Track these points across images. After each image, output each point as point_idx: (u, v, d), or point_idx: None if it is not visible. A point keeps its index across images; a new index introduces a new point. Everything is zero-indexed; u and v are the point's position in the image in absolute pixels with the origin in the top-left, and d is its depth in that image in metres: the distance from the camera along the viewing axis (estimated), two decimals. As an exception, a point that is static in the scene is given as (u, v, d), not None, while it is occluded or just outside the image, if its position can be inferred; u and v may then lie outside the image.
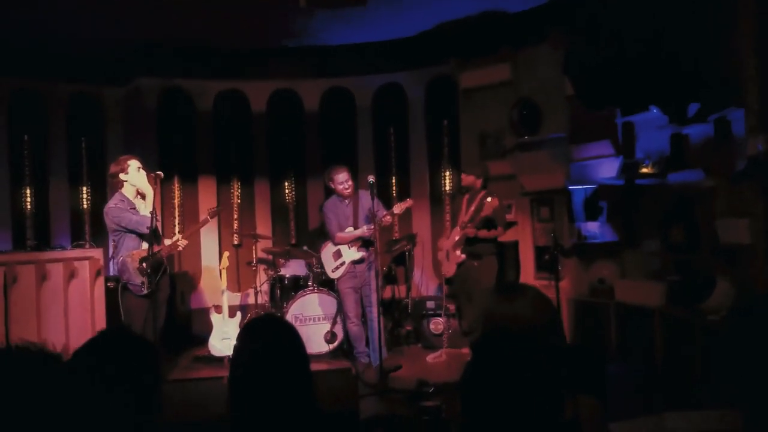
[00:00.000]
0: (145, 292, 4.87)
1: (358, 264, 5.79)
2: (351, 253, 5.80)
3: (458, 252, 6.00)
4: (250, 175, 8.05)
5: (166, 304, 5.17)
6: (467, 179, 6.12)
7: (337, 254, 5.87)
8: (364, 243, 5.75)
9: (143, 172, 5.02)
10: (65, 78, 7.43)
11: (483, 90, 7.22)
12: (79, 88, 7.62)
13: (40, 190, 7.40)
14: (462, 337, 6.26)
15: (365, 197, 5.69)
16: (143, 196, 5.09)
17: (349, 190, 5.75)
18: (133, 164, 5.02)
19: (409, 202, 5.75)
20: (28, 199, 7.29)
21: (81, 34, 6.77)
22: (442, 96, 7.82)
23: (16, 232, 7.21)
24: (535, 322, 1.68)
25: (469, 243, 5.95)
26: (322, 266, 6.13)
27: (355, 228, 5.80)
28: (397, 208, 5.65)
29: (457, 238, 6.01)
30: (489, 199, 5.68)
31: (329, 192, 7.97)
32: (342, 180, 5.73)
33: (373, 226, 5.48)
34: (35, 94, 7.44)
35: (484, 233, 5.87)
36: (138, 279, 4.89)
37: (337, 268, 5.86)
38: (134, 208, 4.99)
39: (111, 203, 5.10)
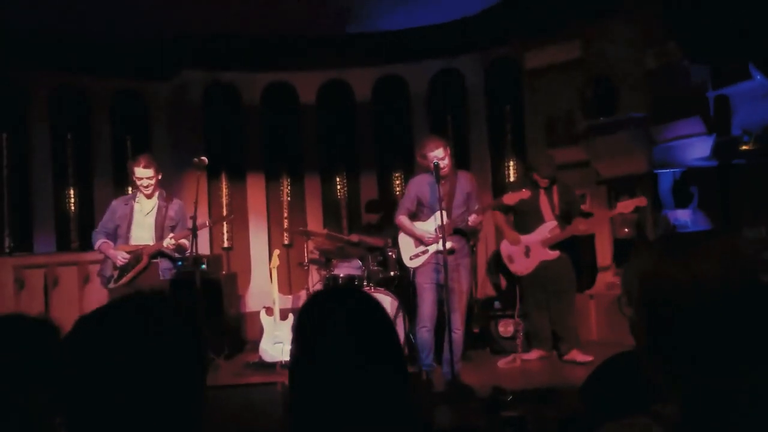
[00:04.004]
0: (112, 286, 4.89)
1: (448, 254, 4.53)
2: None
3: (547, 249, 5.49)
4: (299, 170, 7.64)
5: None
6: (543, 182, 5.50)
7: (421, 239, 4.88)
8: (456, 230, 4.74)
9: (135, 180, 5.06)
10: (108, 74, 7.15)
11: (550, 70, 6.65)
12: (123, 83, 7.34)
13: (84, 190, 7.15)
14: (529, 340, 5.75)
15: (465, 180, 4.86)
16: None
17: (446, 169, 4.69)
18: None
19: (525, 194, 4.76)
20: (72, 200, 7.08)
21: (122, 28, 6.50)
22: (504, 79, 7.27)
23: (60, 233, 6.95)
24: (728, 288, 1.08)
25: None
26: (398, 253, 5.26)
27: (448, 215, 4.66)
28: (509, 199, 4.81)
29: (549, 235, 5.47)
30: None
31: (384, 185, 7.58)
32: (439, 156, 4.63)
33: (435, 233, 4.65)
34: (77, 90, 7.18)
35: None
36: (108, 271, 4.91)
37: (417, 255, 4.84)
38: (128, 205, 5.07)
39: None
